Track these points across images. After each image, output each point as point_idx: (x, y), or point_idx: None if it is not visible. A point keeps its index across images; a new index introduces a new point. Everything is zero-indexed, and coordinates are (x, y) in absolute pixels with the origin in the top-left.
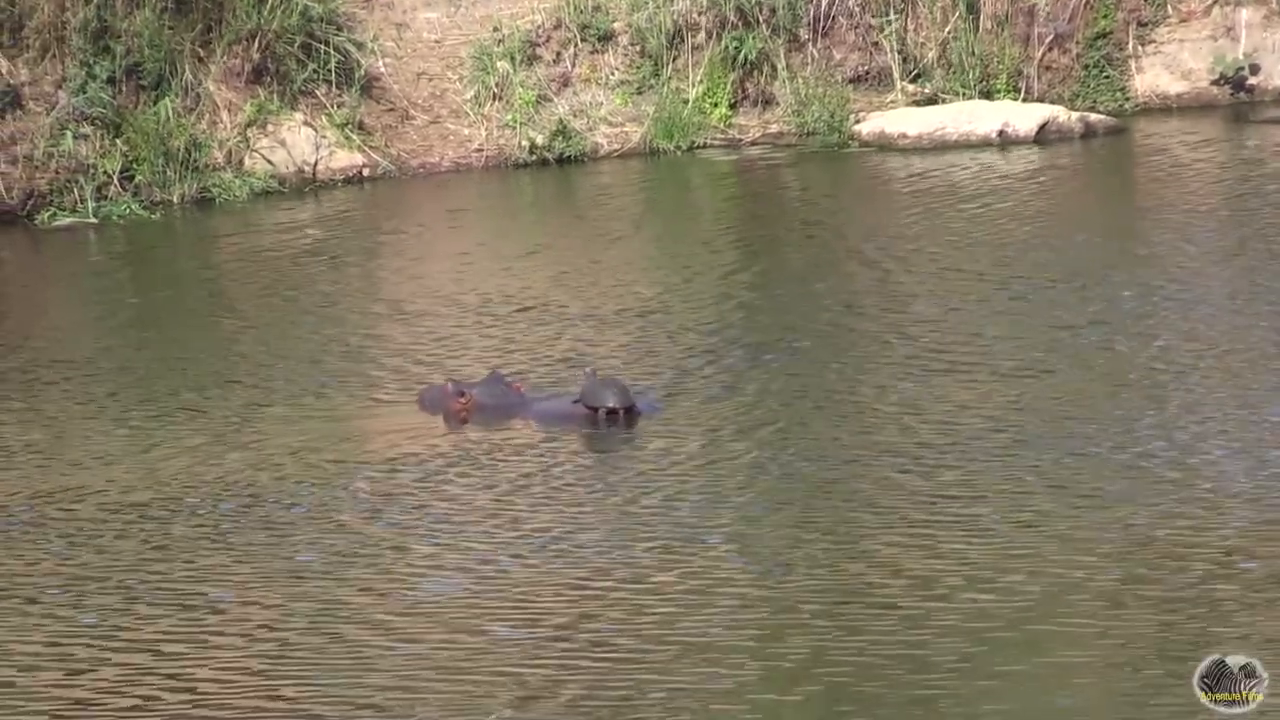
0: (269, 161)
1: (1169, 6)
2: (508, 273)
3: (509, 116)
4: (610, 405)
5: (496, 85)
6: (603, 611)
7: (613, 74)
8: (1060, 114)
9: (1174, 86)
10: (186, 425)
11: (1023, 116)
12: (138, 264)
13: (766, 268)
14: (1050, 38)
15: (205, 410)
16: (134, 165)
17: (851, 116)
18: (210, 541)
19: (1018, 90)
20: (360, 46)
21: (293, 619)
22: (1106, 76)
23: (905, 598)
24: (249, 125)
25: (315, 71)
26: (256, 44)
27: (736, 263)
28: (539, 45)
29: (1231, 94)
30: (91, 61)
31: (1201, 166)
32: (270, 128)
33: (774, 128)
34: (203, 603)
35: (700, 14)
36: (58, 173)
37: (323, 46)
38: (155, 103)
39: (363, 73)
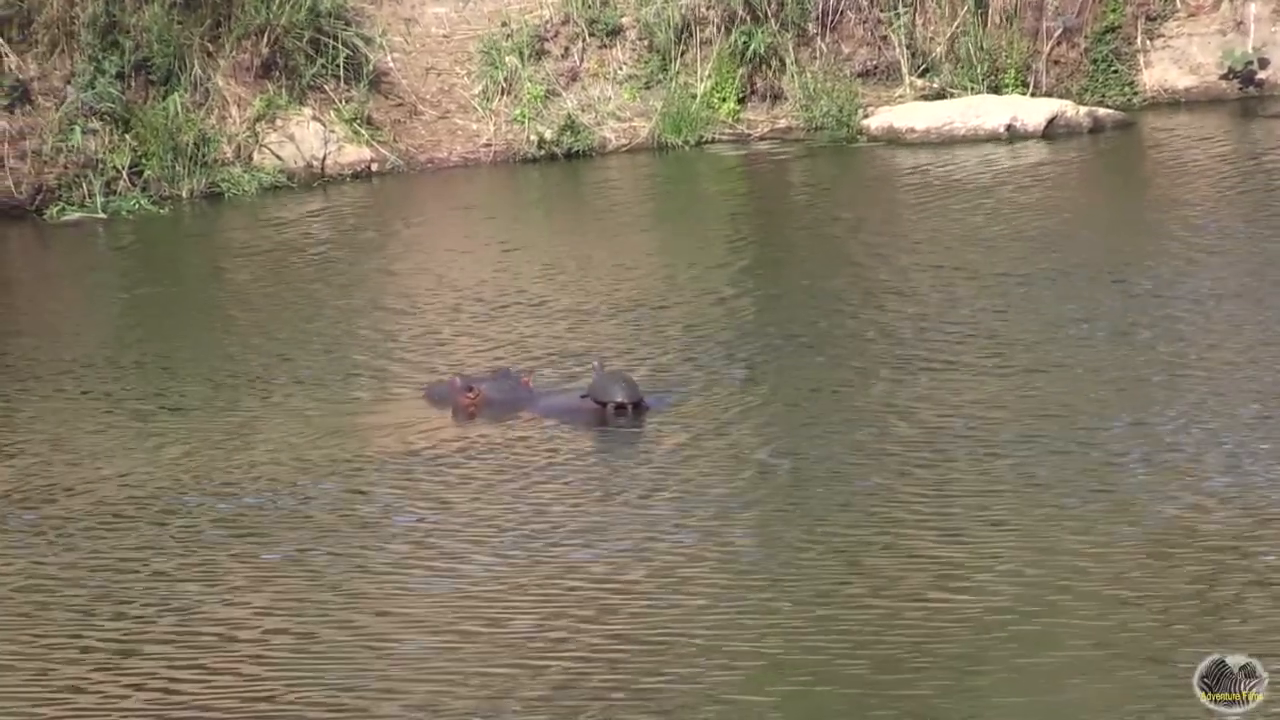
0: (278, 156)
1: (1177, 1)
2: (513, 267)
3: (517, 111)
4: (618, 400)
5: (505, 80)
6: (580, 609)
7: (621, 69)
8: (1068, 108)
9: (1182, 81)
10: (187, 421)
11: (1031, 111)
12: (146, 259)
13: (770, 262)
14: (1059, 32)
15: (206, 406)
16: (143, 160)
17: (860, 111)
18: (201, 539)
19: (1026, 85)
20: (369, 41)
21: (275, 618)
22: (1115, 71)
23: (892, 594)
24: (258, 120)
25: (324, 67)
26: (265, 39)
27: (740, 257)
28: (547, 40)
29: (1240, 88)
30: (100, 57)
31: (1210, 161)
32: (279, 123)
33: (782, 122)
34: (189, 602)
35: (708, 8)
36: (66, 168)
37: (331, 41)
38: (164, 98)
39: (371, 68)
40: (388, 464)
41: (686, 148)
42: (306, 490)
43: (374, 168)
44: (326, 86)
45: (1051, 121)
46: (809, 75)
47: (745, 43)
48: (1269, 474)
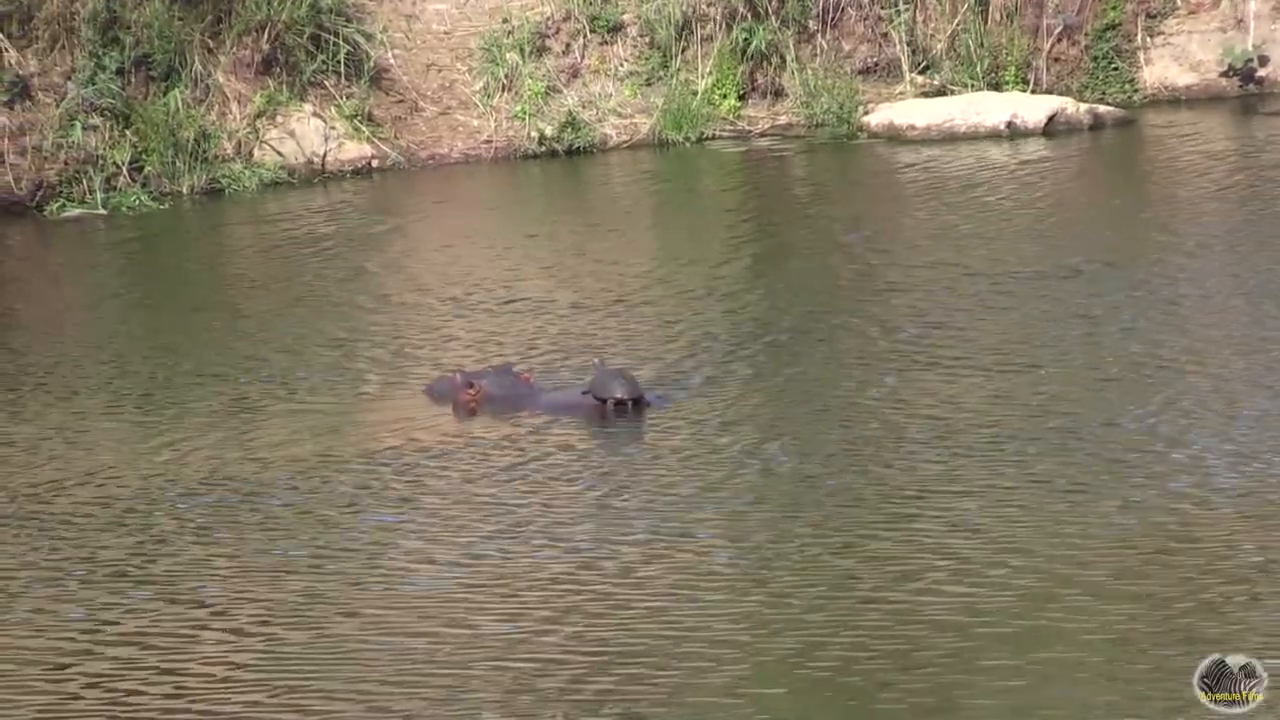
0: (278, 153)
1: None
2: (513, 264)
3: (518, 108)
4: (619, 396)
5: (506, 77)
6: (590, 605)
7: (622, 65)
8: (1069, 106)
9: (1183, 78)
10: (183, 419)
11: (1031, 108)
12: (146, 256)
13: (770, 259)
14: (1059, 29)
15: (205, 401)
16: (143, 156)
17: (860, 108)
18: (200, 534)
19: (1026, 82)
20: (369, 38)
21: (280, 613)
22: (1115, 68)
23: (894, 591)
24: (258, 116)
25: (324, 63)
26: (266, 35)
27: (740, 254)
28: (548, 36)
29: (1240, 86)
30: (101, 53)
31: (1210, 159)
32: (279, 119)
33: (783, 119)
34: (191, 597)
35: (709, 5)
36: (67, 164)
37: (332, 38)
38: (164, 94)
39: (372, 64)
40: (385, 461)
41: (687, 144)
42: (297, 489)
43: (375, 164)
44: (327, 83)
45: (1052, 119)
46: (810, 72)
47: (746, 39)
48: (1262, 472)
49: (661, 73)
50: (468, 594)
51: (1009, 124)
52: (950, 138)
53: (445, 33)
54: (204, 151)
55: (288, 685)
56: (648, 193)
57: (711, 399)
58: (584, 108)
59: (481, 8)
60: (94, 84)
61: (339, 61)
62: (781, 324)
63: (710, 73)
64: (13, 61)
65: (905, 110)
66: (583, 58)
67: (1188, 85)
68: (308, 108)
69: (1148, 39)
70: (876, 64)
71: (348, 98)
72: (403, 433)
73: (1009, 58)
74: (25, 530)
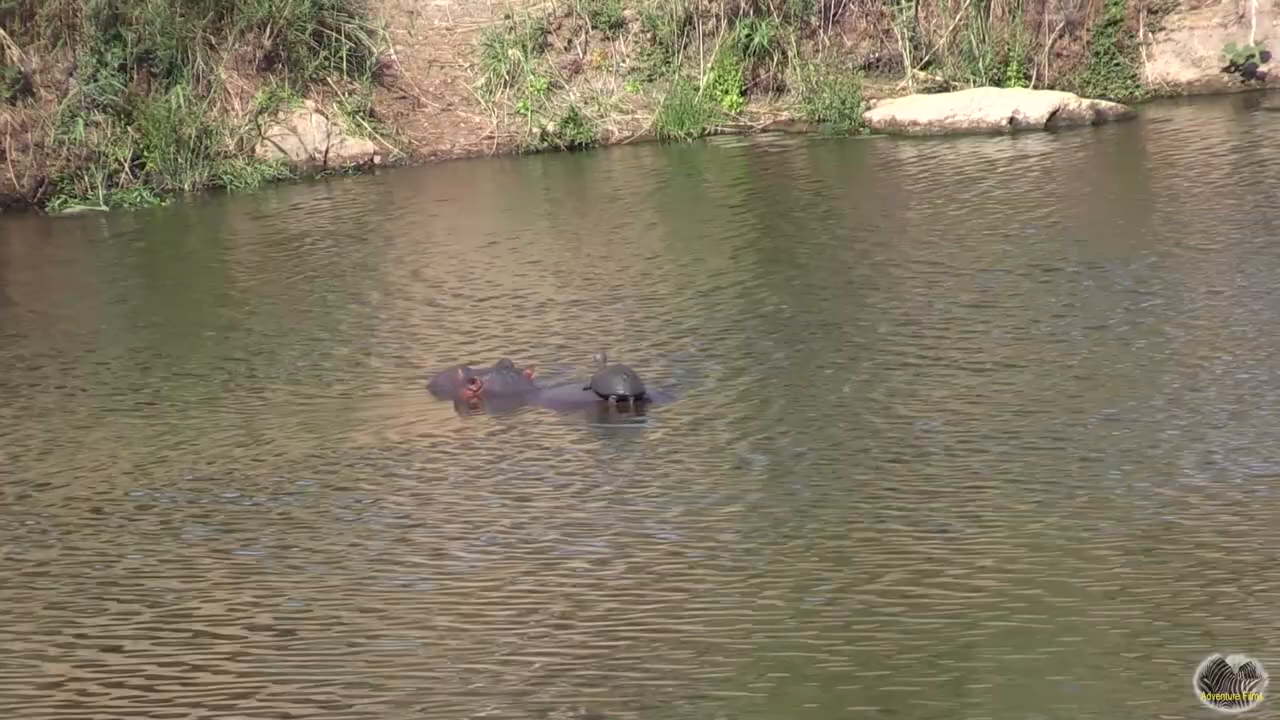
0: (280, 149)
1: None
2: (515, 260)
3: (520, 104)
4: (620, 393)
5: (508, 73)
6: (571, 603)
7: (624, 61)
8: (1071, 101)
9: (1185, 74)
10: (184, 415)
11: (1033, 104)
12: (148, 252)
13: (772, 255)
14: (1061, 25)
15: (204, 399)
16: (145, 153)
17: (862, 103)
18: (172, 533)
19: (1028, 77)
20: (372, 34)
21: (248, 614)
22: (1117, 64)
23: (870, 592)
24: (260, 113)
25: (327, 59)
26: (268, 32)
27: (742, 250)
28: (550, 33)
29: (1242, 81)
30: (103, 49)
31: (1210, 155)
32: (281, 115)
33: (785, 115)
34: (160, 597)
35: (711, 1)
36: (69, 160)
37: (334, 34)
38: (167, 90)
39: (374, 60)
40: (386, 457)
41: (689, 140)
42: (302, 484)
43: (376, 160)
44: (329, 79)
45: (1054, 114)
46: (811, 68)
47: (748, 35)
48: (1249, 470)
49: (663, 68)
50: (434, 595)
51: (1011, 120)
52: (952, 133)
53: (447, 29)
54: (206, 148)
55: (255, 686)
56: (649, 189)
57: (711, 396)
58: (586, 104)
59: (483, 4)
60: (96, 80)
61: (341, 58)
62: (784, 320)
63: (712, 68)
64: (15, 58)
65: (907, 106)
66: (585, 54)
67: (1189, 81)
68: (310, 104)
69: (1150, 35)
70: (879, 60)
71: (350, 94)
72: (403, 430)
73: (1011, 53)
74: (4, 528)
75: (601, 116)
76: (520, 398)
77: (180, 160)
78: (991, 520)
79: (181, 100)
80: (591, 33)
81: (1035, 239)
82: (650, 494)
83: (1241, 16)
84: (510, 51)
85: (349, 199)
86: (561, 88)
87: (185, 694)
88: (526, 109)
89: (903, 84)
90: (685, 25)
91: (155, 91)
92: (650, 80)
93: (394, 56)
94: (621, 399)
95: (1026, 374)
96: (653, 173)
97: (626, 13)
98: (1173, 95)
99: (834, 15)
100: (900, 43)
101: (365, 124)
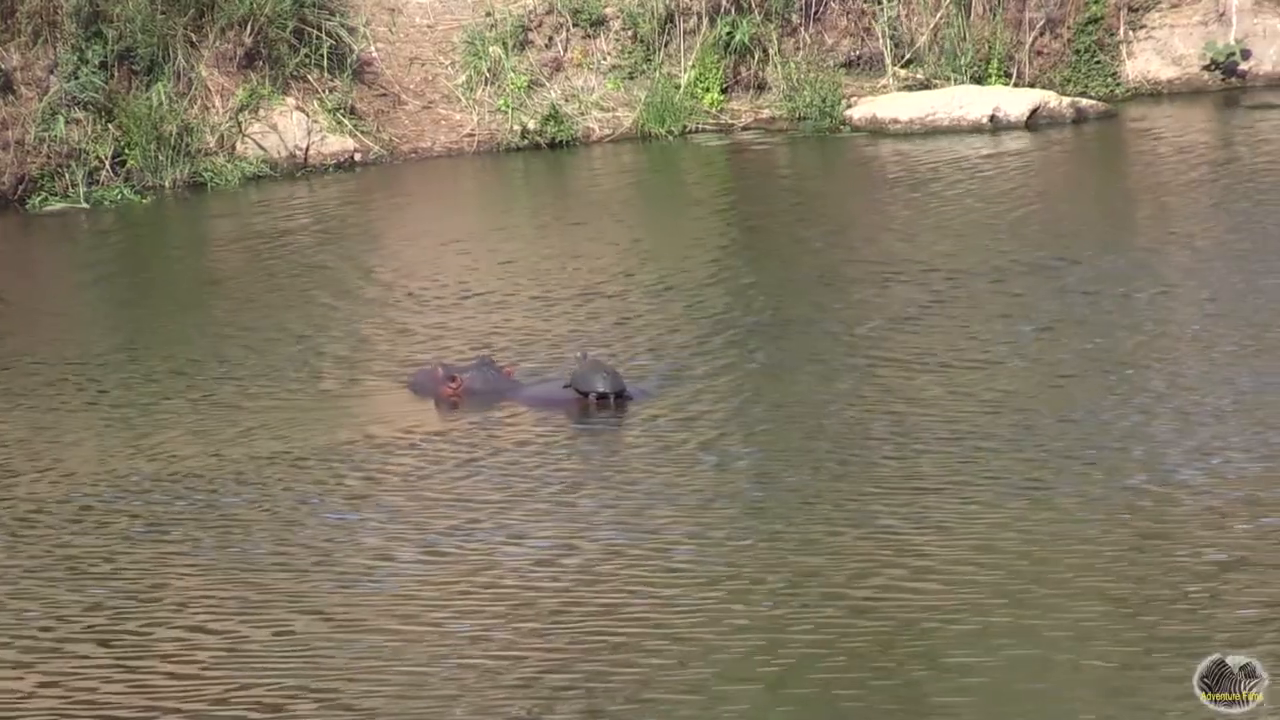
0: (261, 146)
1: None
2: (495, 258)
3: (501, 101)
4: (600, 390)
5: (488, 70)
6: (549, 601)
7: (605, 59)
8: (1051, 99)
9: (1165, 72)
10: (158, 413)
11: (1014, 102)
12: (128, 249)
13: (751, 252)
14: (1042, 23)
15: (175, 396)
16: (126, 150)
17: (843, 101)
18: (160, 531)
19: (1009, 75)
20: (352, 31)
21: (239, 610)
22: (1098, 62)
23: (856, 589)
24: (241, 110)
25: (307, 56)
26: (249, 29)
27: (720, 247)
28: (531, 30)
29: (1223, 79)
30: (84, 46)
31: (1190, 153)
32: (262, 113)
33: (766, 112)
34: (150, 594)
35: None
36: (49, 158)
37: (315, 31)
38: (147, 88)
39: (355, 58)
40: (361, 455)
41: (670, 138)
42: (272, 483)
43: (357, 158)
44: (310, 76)
45: (1034, 112)
46: (793, 65)
47: (729, 33)
48: (1221, 468)
49: (644, 66)
50: (428, 590)
51: (991, 118)
52: (933, 131)
53: (428, 26)
54: (186, 145)
55: (247, 682)
56: (629, 187)
57: (691, 394)
58: (566, 101)
59: (465, 1)
60: (77, 78)
61: (322, 55)
62: (752, 318)
63: (693, 66)
64: None
65: (888, 104)
66: (565, 51)
67: (1170, 79)
68: (290, 101)
69: (1130, 33)
70: (859, 58)
71: (330, 91)
72: (382, 428)
73: (992, 51)
74: None
75: (582, 114)
76: (500, 395)
77: (161, 158)
78: (978, 517)
79: (162, 98)
80: (572, 30)
81: (1010, 237)
82: (641, 490)
83: (1222, 14)
84: (491, 49)
85: (329, 196)
86: (542, 85)
87: (166, 691)
88: (507, 106)
89: (884, 82)
90: (666, 23)
91: (136, 89)
92: (631, 78)
93: (375, 54)
94: (601, 397)
95: (1012, 371)
96: (633, 170)
97: (607, 10)
98: (1153, 93)
99: (815, 13)
100: (881, 41)
101: (346, 121)
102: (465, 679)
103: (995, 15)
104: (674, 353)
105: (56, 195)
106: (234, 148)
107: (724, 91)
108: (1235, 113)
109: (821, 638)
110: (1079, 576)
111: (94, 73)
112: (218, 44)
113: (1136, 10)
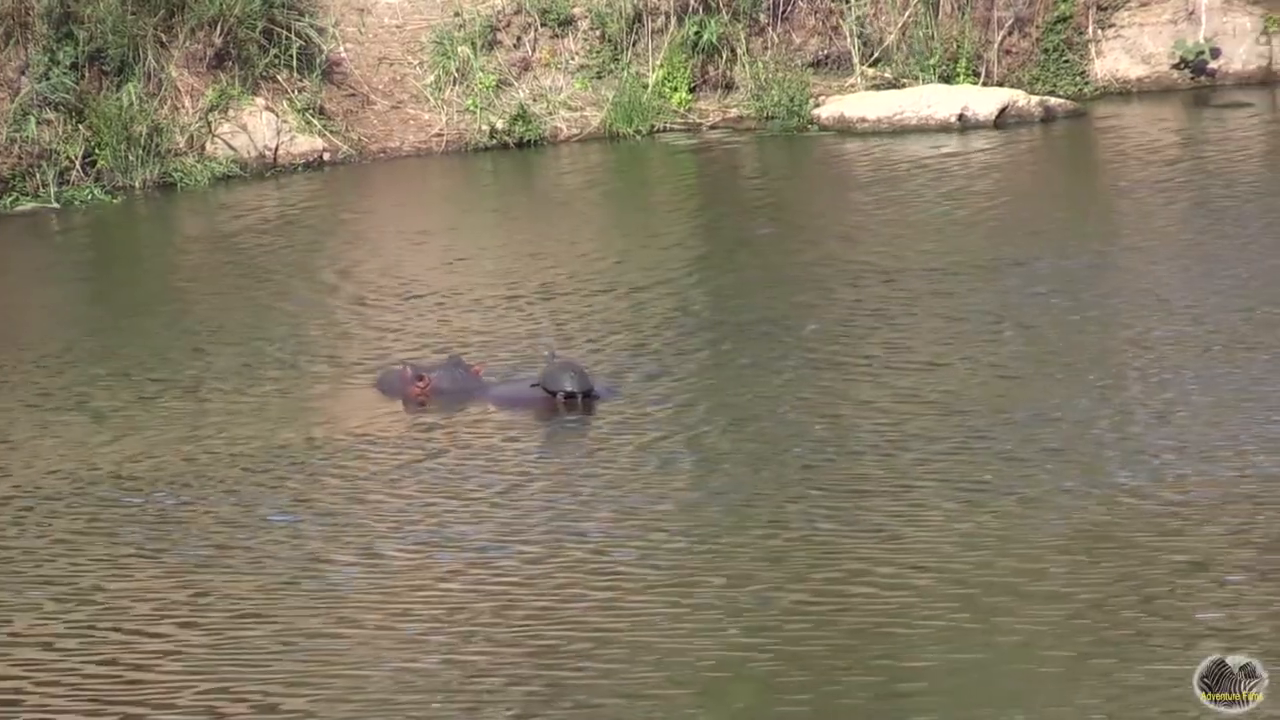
0: (230, 146)
1: None
2: (463, 257)
3: (469, 101)
4: (568, 389)
5: (457, 70)
6: (486, 604)
7: (573, 59)
8: (1020, 98)
9: (1134, 71)
10: (125, 412)
11: (982, 101)
12: (98, 249)
13: (717, 251)
14: (1010, 22)
15: (146, 397)
16: (96, 150)
17: (811, 100)
18: (101, 532)
19: (977, 74)
20: (321, 32)
21: (179, 612)
22: (1066, 61)
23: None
24: (211, 110)
25: (277, 57)
26: (218, 30)
27: (687, 246)
28: (499, 30)
29: (1192, 78)
30: (55, 47)
31: (1158, 152)
32: (232, 113)
33: (734, 112)
34: (91, 596)
35: None
36: (20, 158)
37: (284, 32)
38: (118, 88)
39: (324, 58)
40: (325, 455)
41: (638, 137)
42: (238, 483)
43: (326, 158)
44: (279, 76)
45: (1003, 111)
46: (760, 65)
47: (697, 33)
48: (1179, 470)
49: (612, 66)
50: (368, 593)
51: (960, 116)
52: (901, 130)
53: (397, 26)
54: (156, 145)
55: (187, 684)
56: (597, 186)
57: (658, 393)
58: (535, 101)
59: (433, 1)
60: (48, 79)
61: (291, 55)
62: (727, 317)
63: (661, 66)
64: None
65: (856, 103)
66: (534, 51)
67: (1139, 77)
68: (260, 101)
69: (1099, 31)
70: (827, 57)
71: (299, 91)
72: (348, 428)
73: (960, 50)
74: None
75: (550, 114)
76: (468, 394)
77: (131, 158)
78: (924, 520)
79: (133, 98)
80: (540, 30)
81: (971, 237)
82: (582, 492)
83: (1191, 13)
84: (460, 49)
85: (298, 196)
86: (510, 85)
87: (117, 693)
88: (476, 106)
89: (851, 81)
90: (634, 23)
91: (107, 89)
92: (599, 77)
93: (344, 54)
94: (569, 396)
95: (956, 373)
96: (601, 170)
97: (575, 10)
98: (1122, 92)
99: (783, 12)
100: (849, 40)
101: (315, 121)
102: (404, 681)
103: (963, 14)
104: (615, 354)
105: (27, 195)
106: (204, 148)
107: (692, 91)
108: (1204, 111)
109: (760, 640)
110: (1043, 578)
111: (65, 73)
112: (188, 44)
113: (1105, 9)
